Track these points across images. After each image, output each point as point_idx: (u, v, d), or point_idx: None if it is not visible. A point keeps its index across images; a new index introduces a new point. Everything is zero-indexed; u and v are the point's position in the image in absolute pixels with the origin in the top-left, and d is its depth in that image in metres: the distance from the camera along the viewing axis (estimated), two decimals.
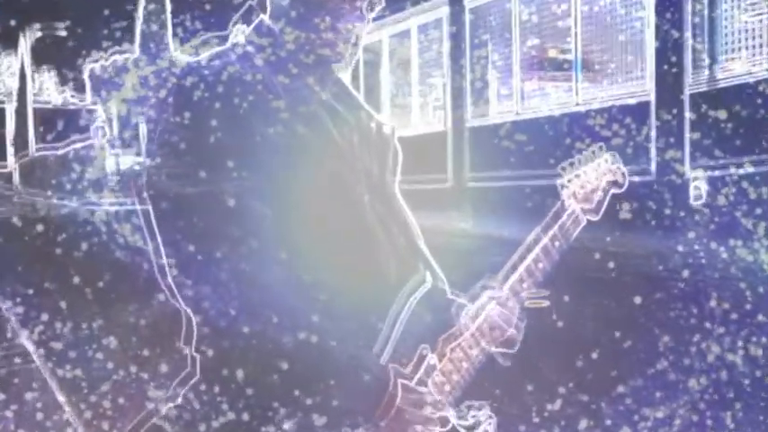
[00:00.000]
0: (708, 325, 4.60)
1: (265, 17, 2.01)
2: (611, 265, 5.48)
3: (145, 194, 1.92)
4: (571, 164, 2.16)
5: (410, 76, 11.54)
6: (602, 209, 2.13)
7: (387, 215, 2.01)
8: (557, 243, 2.05)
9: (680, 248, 6.26)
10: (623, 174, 2.17)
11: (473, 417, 2.00)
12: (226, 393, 1.89)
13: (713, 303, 5.10)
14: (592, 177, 2.14)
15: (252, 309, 1.82)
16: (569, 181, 2.14)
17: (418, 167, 9.42)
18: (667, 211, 7.34)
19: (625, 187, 2.16)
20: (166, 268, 1.88)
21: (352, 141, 1.98)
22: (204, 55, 2.00)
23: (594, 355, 4.08)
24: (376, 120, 2.08)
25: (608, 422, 3.88)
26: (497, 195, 9.52)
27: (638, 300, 4.83)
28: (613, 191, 2.17)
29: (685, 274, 5.68)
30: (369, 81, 11.60)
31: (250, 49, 1.97)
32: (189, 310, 1.89)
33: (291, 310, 1.83)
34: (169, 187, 1.87)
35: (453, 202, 10.24)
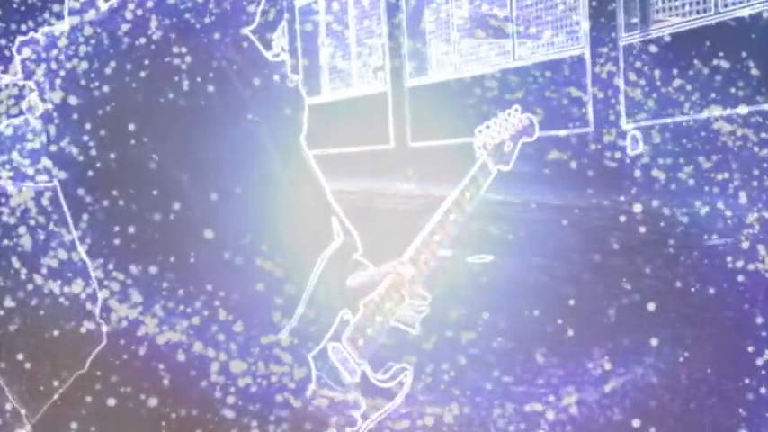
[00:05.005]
0: (645, 272, 4.72)
1: None
2: (551, 217, 5.56)
3: (53, 170, 1.85)
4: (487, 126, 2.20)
5: (348, 39, 11.46)
6: (513, 159, 2.18)
7: (294, 169, 2.00)
8: (467, 194, 2.10)
9: (618, 199, 6.38)
10: (532, 123, 2.22)
11: (388, 369, 2.05)
12: (135, 363, 1.86)
13: (652, 253, 5.22)
14: (501, 128, 2.19)
15: (165, 280, 1.79)
16: (480, 132, 2.19)
17: (361, 130, 9.41)
18: (605, 162, 7.46)
19: (535, 136, 2.21)
20: (75, 238, 1.83)
21: (257, 96, 1.94)
22: (97, 12, 1.89)
23: (537, 311, 4.16)
24: (281, 73, 2.05)
25: (554, 379, 3.97)
26: (439, 155, 9.56)
27: (576, 253, 4.91)
28: (524, 140, 2.22)
29: (623, 225, 5.79)
30: (306, 46, 11.49)
31: (150, 4, 1.88)
32: (95, 279, 1.85)
33: (204, 278, 1.80)
34: (70, 160, 1.80)
35: (396, 164, 10.25)
